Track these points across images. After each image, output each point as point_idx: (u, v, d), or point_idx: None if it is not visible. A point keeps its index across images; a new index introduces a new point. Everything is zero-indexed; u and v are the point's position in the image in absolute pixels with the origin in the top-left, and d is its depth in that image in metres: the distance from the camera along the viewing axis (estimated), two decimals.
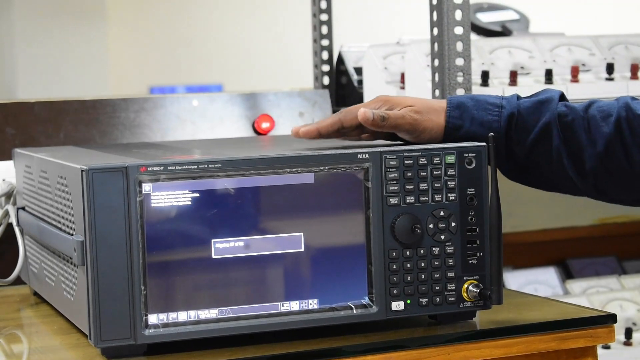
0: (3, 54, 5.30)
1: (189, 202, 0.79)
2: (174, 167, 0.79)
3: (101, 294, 0.78)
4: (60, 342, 0.94)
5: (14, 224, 1.13)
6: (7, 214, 1.15)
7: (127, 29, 5.71)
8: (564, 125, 0.88)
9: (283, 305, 0.82)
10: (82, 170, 0.78)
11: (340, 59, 1.58)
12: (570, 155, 0.88)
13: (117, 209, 0.77)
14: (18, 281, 1.12)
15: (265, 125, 1.35)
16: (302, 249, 0.82)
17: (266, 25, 5.62)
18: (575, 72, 1.32)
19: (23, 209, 1.11)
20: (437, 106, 0.91)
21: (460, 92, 1.15)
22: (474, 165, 0.85)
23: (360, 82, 1.49)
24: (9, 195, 1.17)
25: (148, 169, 0.77)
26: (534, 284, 1.58)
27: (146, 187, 0.77)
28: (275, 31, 5.60)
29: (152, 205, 0.78)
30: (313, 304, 0.82)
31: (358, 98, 1.45)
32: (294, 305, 0.82)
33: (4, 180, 1.19)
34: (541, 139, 0.89)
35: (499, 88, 1.27)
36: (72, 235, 0.84)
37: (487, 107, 0.90)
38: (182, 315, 0.79)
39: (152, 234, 0.78)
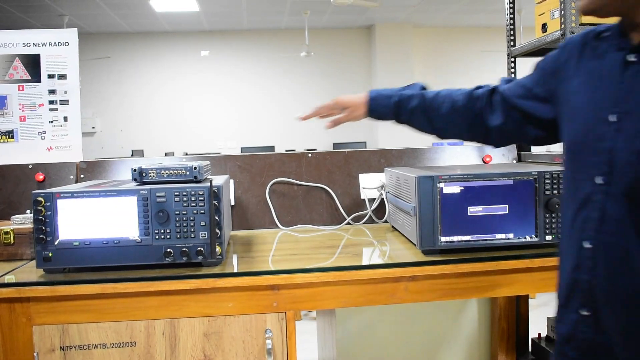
0: None
1: (458, 192, 1.82)
2: None
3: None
4: None
5: None
6: None
7: None
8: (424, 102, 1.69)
9: (498, 235, 1.79)
10: None
11: None
12: (427, 118, 1.69)
13: None
14: None
15: (487, 159, 2.45)
16: (507, 212, 1.78)
17: None
18: None
19: None
20: (361, 97, 1.77)
21: None
22: None
23: None
24: None
25: None
26: None
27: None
28: None
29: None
30: (510, 235, 1.79)
31: None
32: (502, 235, 1.79)
33: None
34: (413, 111, 1.70)
35: None
36: None
37: (385, 97, 1.74)
38: (458, 238, 1.82)
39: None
